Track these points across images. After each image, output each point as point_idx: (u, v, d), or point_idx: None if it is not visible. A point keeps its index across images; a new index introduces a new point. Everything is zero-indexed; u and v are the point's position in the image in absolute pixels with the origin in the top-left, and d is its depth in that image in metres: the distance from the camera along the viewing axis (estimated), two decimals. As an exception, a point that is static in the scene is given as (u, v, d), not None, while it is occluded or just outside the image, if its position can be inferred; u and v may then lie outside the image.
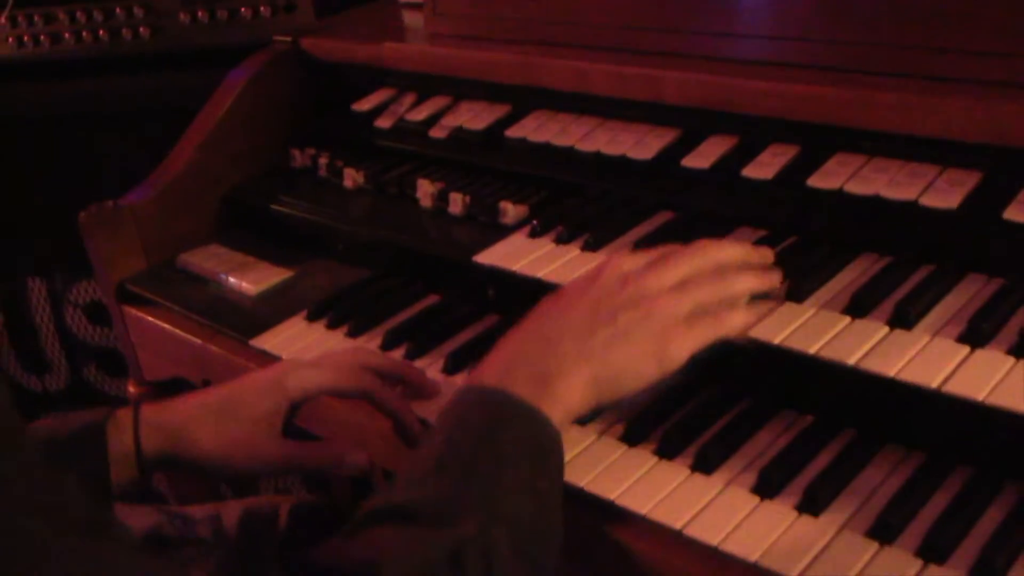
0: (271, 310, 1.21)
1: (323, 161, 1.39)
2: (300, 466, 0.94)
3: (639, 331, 0.77)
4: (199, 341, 1.21)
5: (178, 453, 0.88)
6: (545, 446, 0.71)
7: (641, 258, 0.83)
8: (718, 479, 0.82)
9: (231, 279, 1.29)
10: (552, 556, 0.70)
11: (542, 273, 1.01)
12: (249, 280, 1.28)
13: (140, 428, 0.87)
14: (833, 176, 0.96)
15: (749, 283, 0.85)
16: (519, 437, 0.70)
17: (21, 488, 0.44)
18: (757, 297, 0.87)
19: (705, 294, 0.81)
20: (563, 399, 0.74)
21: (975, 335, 0.79)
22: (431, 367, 1.03)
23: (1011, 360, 0.77)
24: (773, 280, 0.87)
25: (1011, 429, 0.75)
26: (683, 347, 0.79)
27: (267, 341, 1.14)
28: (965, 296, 0.85)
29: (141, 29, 1.75)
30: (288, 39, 1.48)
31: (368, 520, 0.66)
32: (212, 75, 1.47)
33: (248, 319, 1.20)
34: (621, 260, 0.82)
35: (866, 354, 0.80)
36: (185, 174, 1.38)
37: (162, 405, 0.91)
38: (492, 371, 0.76)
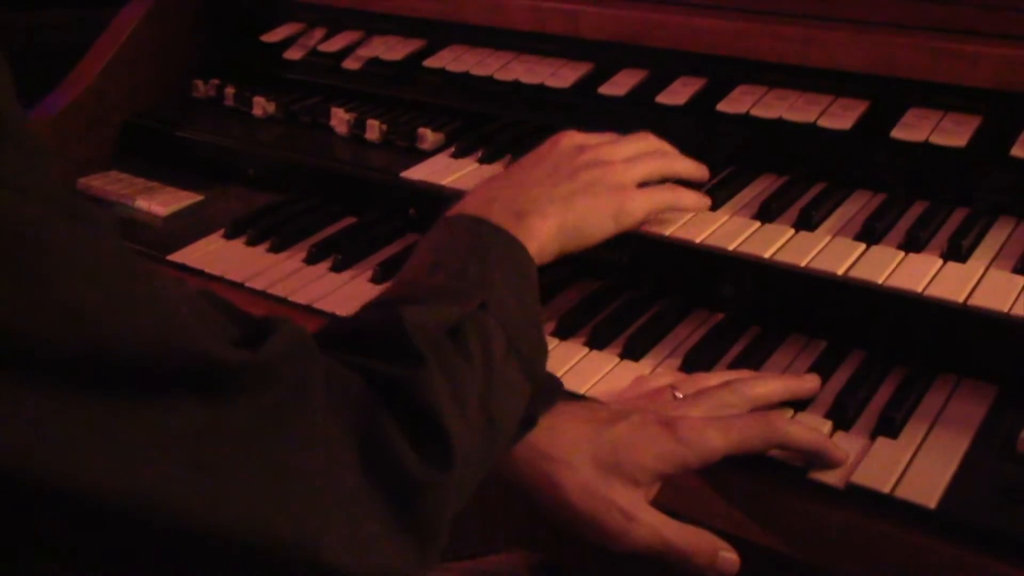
0: (184, 230, 1.21)
1: (230, 91, 1.39)
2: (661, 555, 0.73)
3: (598, 186, 0.84)
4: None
5: None
6: (525, 266, 0.75)
7: (591, 136, 0.90)
8: (645, 364, 0.90)
9: (138, 201, 1.28)
10: (541, 366, 0.72)
11: (472, 187, 1.06)
12: (158, 202, 1.27)
13: None
14: (739, 103, 1.05)
15: (688, 165, 0.95)
16: (504, 253, 0.73)
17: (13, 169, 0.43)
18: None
19: (653, 167, 0.90)
20: (536, 235, 0.77)
21: (870, 234, 0.90)
22: (360, 277, 1.06)
23: (901, 254, 0.88)
24: (704, 172, 0.97)
25: (899, 313, 0.87)
26: (638, 205, 0.86)
27: (186, 256, 1.14)
28: (857, 205, 0.96)
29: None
30: (190, -31, 1.46)
31: (373, 307, 0.68)
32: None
33: (161, 238, 1.20)
34: (573, 134, 0.89)
35: (779, 249, 0.90)
36: (85, 97, 1.35)
37: None
38: (470, 207, 0.79)
